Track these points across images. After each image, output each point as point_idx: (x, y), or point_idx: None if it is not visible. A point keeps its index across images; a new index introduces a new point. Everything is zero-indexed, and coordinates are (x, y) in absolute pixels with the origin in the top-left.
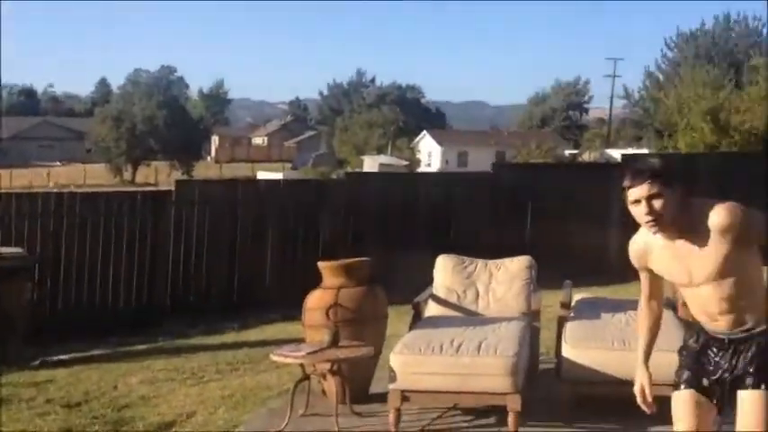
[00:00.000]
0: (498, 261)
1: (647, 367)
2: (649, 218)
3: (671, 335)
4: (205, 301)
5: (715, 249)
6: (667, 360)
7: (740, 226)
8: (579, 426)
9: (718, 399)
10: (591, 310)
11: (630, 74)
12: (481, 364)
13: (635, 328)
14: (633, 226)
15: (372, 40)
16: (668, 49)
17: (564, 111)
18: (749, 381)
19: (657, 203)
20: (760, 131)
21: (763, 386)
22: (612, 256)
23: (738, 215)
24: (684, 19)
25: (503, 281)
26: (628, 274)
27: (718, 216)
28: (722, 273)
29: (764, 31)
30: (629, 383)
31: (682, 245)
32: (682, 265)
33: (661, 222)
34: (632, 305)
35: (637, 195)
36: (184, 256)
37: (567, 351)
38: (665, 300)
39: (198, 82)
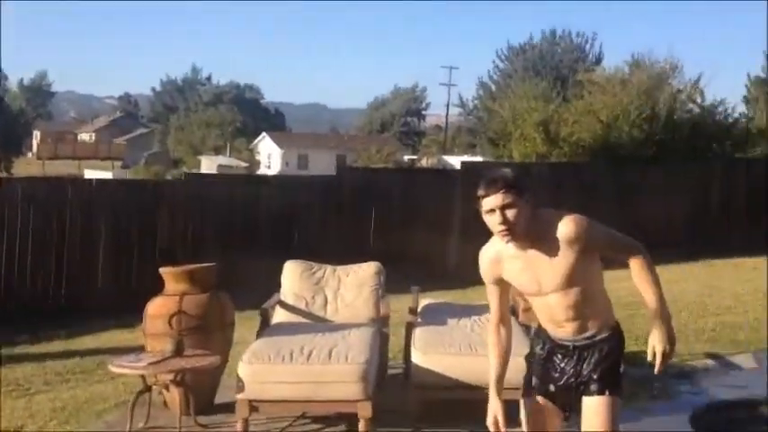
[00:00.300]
0: (347, 267)
1: (500, 398)
2: (503, 227)
3: (515, 340)
4: (31, 307)
5: (563, 259)
6: (512, 365)
7: (586, 237)
8: (427, 431)
9: (565, 404)
10: (438, 315)
11: (465, 83)
12: (332, 372)
13: (481, 333)
14: (472, 232)
15: (208, 36)
16: (500, 60)
17: (402, 116)
18: (593, 387)
19: (511, 213)
20: (587, 143)
21: (606, 392)
22: (452, 262)
23: (585, 226)
24: (515, 32)
25: (352, 287)
26: (467, 279)
27: (567, 227)
28: (569, 282)
29: (587, 47)
30: (479, 388)
31: (532, 255)
32: (532, 274)
33: (514, 232)
34: (477, 310)
35: (491, 205)
36: (6, 259)
37: (417, 357)
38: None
39: (18, 73)
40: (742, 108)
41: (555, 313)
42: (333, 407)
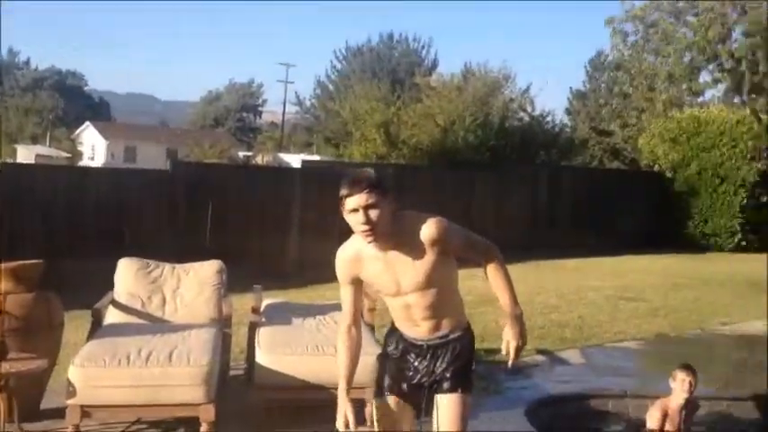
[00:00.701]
0: (187, 265)
1: (349, 399)
2: (366, 227)
3: (363, 340)
4: None
5: (423, 260)
6: (360, 364)
7: (446, 238)
8: None
9: (418, 402)
10: (282, 314)
11: (303, 81)
12: (173, 375)
13: (327, 333)
14: (311, 231)
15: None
16: (337, 61)
17: (237, 112)
18: (446, 385)
19: (374, 213)
20: (425, 146)
21: (458, 390)
22: (291, 260)
23: (445, 228)
24: (352, 34)
25: (192, 286)
26: (306, 278)
27: (429, 229)
28: (428, 282)
29: (424, 52)
30: (325, 388)
31: (393, 255)
32: (392, 274)
33: (377, 232)
34: (321, 310)
35: (355, 204)
36: None
37: (262, 357)
38: None
39: None
40: (565, 119)
41: (412, 313)
42: (173, 411)
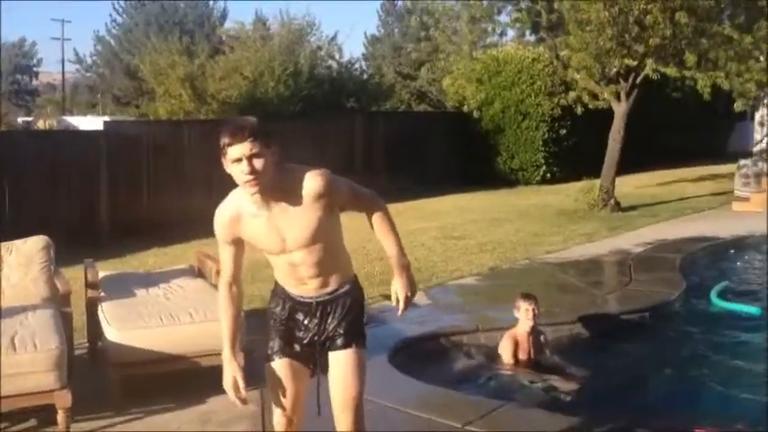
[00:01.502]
0: (8, 243)
1: (236, 360)
2: (251, 177)
3: (202, 301)
4: None
5: (309, 215)
6: (216, 328)
7: (332, 191)
8: (134, 411)
9: (311, 361)
10: (122, 287)
11: (81, 38)
12: (20, 362)
13: (177, 301)
14: (122, 196)
15: None
16: (117, 14)
17: (11, 74)
18: (340, 341)
19: (259, 163)
20: (234, 99)
21: (353, 344)
22: (103, 230)
23: (330, 181)
24: None
25: (17, 265)
26: (124, 245)
27: (314, 182)
28: (314, 238)
29: (211, 3)
30: (183, 358)
31: (276, 212)
32: (276, 232)
33: (262, 183)
34: (161, 278)
35: (239, 153)
36: None
37: (113, 334)
38: (192, 269)
39: None
40: (368, 65)
41: (298, 271)
42: (23, 401)
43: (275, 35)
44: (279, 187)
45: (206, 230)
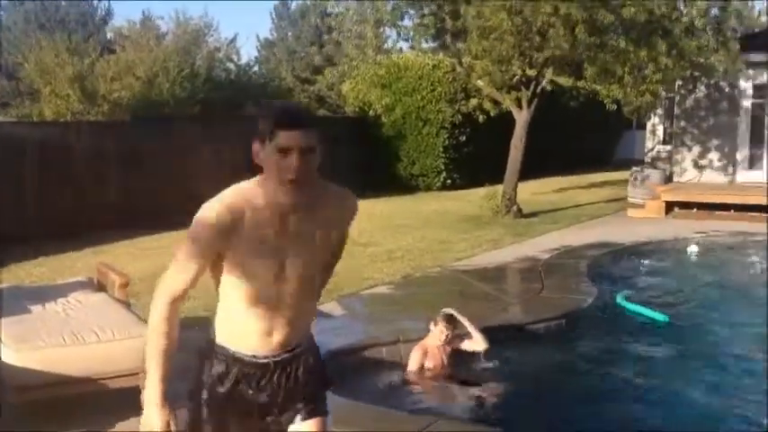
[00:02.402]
0: None
1: (166, 405)
2: (295, 174)
3: (126, 319)
4: None
5: (326, 240)
6: (125, 347)
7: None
8: None
9: None
10: (15, 302)
11: None
12: None
13: (79, 317)
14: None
15: None
16: None
17: None
18: (303, 413)
19: (310, 159)
20: (126, 101)
21: (318, 414)
22: None
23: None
24: None
25: None
26: (4, 254)
27: (354, 202)
28: (318, 268)
29: (96, 2)
30: (89, 380)
31: (292, 226)
32: (279, 251)
33: (305, 183)
34: (58, 292)
35: (291, 142)
36: None
37: (9, 355)
38: (91, 281)
39: None
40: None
41: (275, 313)
42: None
43: (170, 34)
44: (306, 197)
45: (100, 237)
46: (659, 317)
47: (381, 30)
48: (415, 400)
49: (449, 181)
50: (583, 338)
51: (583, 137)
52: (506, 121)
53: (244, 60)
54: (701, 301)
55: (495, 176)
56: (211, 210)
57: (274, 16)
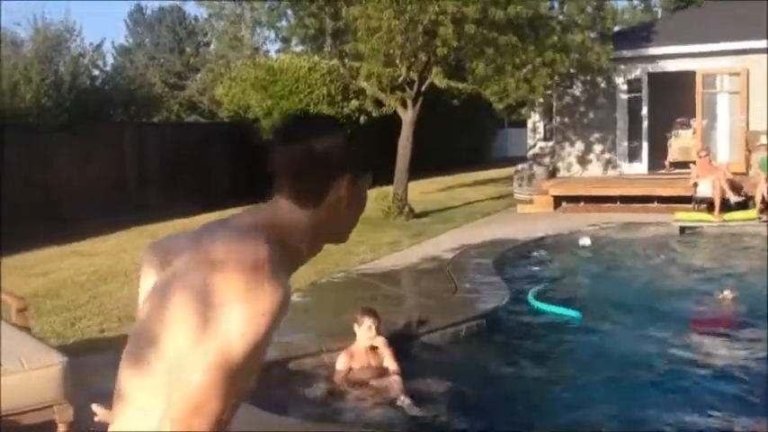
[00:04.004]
0: None
1: None
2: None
3: (36, 349)
4: None
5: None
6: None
7: None
8: None
9: None
10: None
11: None
12: None
13: None
14: None
15: None
16: None
17: None
18: None
19: None
20: None
21: None
22: None
23: None
24: None
25: None
26: None
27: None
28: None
29: None
30: None
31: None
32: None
33: None
34: None
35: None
36: None
37: None
38: None
39: None
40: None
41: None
42: None
43: (29, 41)
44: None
45: None
46: (572, 313)
47: (259, 31)
48: (343, 409)
49: None
50: (502, 337)
51: (461, 135)
52: (388, 121)
53: (109, 67)
54: (604, 294)
55: (379, 177)
56: (276, 292)
57: (129, 22)
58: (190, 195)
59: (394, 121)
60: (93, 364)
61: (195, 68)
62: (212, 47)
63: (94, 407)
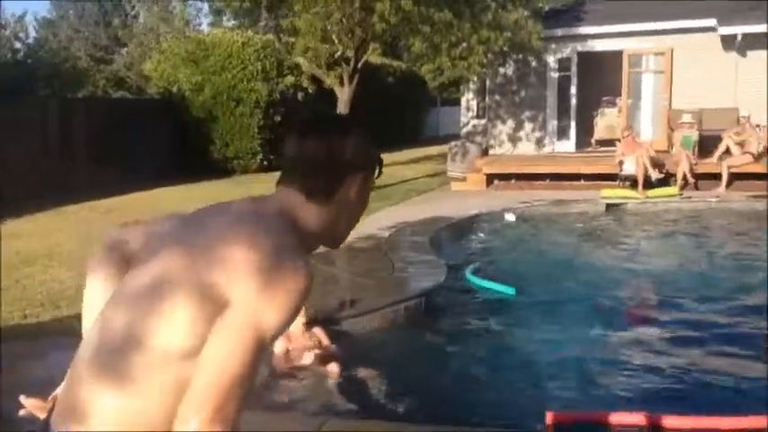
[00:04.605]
0: None
1: None
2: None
3: None
4: None
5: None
6: None
7: None
8: None
9: None
10: None
11: None
12: None
13: None
14: None
15: None
16: None
17: None
18: None
19: None
20: None
21: None
22: None
23: None
24: None
25: None
26: None
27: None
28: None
29: None
30: None
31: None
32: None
33: None
34: None
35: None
36: None
37: None
38: None
39: None
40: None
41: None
42: None
43: None
44: None
45: None
46: (507, 290)
47: (191, 3)
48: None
49: (265, 162)
50: (441, 316)
51: (396, 113)
52: (326, 98)
53: (32, 40)
54: (540, 270)
55: None
56: (310, 272)
57: None
58: (117, 174)
59: (332, 99)
60: (18, 352)
61: (123, 43)
62: (141, 20)
63: (22, 398)
